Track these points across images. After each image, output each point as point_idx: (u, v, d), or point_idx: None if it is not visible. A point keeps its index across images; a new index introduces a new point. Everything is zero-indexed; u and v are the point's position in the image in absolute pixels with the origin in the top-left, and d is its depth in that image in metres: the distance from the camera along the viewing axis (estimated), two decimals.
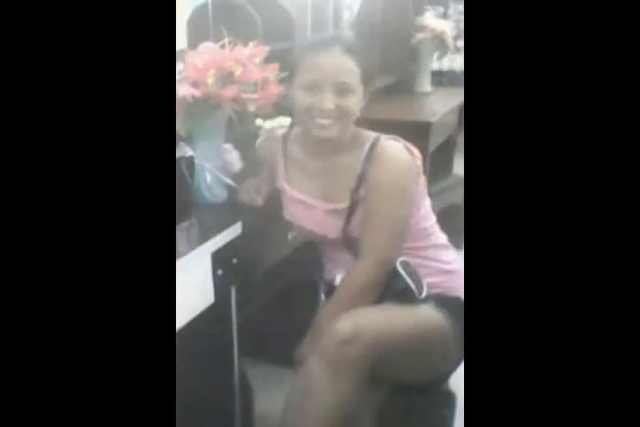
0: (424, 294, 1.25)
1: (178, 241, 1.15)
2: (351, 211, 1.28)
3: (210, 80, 1.20)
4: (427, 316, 1.25)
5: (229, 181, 1.36)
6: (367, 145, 1.27)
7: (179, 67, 1.21)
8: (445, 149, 2.75)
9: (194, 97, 1.19)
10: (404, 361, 1.23)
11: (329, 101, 1.20)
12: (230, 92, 1.21)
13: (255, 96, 1.24)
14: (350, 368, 1.13)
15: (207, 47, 1.25)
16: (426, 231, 1.35)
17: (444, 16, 2.90)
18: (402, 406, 1.31)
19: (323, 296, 1.43)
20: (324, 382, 1.13)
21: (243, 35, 1.27)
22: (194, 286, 1.17)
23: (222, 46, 1.24)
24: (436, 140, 2.42)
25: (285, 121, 1.59)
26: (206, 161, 1.32)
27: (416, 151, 1.29)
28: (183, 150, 1.32)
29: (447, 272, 1.34)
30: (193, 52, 1.25)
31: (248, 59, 1.23)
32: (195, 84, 1.20)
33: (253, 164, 1.48)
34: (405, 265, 1.26)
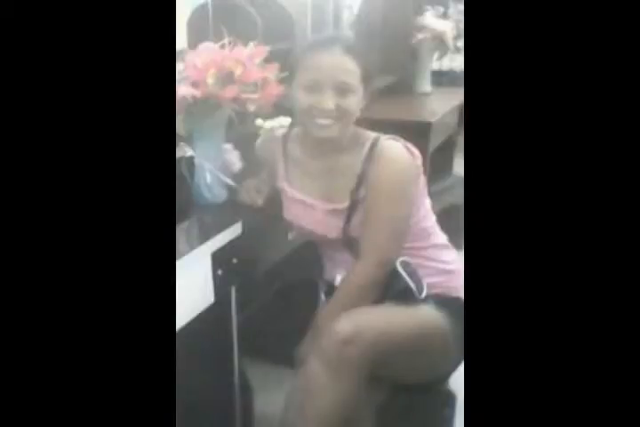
0: (424, 294, 1.25)
1: (178, 241, 1.15)
2: (351, 211, 1.28)
3: (210, 80, 1.20)
4: (427, 316, 1.25)
5: (229, 181, 1.36)
6: (367, 145, 1.27)
7: (179, 67, 1.20)
8: (445, 149, 2.75)
9: (194, 97, 1.19)
10: (404, 361, 1.23)
11: (329, 101, 1.20)
12: (230, 92, 1.21)
13: (255, 96, 1.24)
14: (350, 368, 1.13)
15: (207, 47, 1.25)
16: (426, 231, 1.35)
17: (444, 16, 2.90)
18: (402, 406, 1.31)
19: (323, 296, 1.43)
20: (324, 381, 1.13)
21: (243, 35, 1.27)
22: (194, 286, 1.17)
23: (222, 46, 1.24)
24: (436, 140, 2.41)
25: (285, 121, 1.59)
26: (206, 161, 1.32)
27: (416, 151, 1.29)
28: (183, 150, 1.32)
29: (447, 272, 1.34)
30: (193, 52, 1.25)
31: (248, 59, 1.23)
32: (195, 84, 1.20)
33: (253, 164, 1.48)
34: (405, 265, 1.27)
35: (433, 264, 1.34)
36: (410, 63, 2.86)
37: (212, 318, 1.23)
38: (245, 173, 1.47)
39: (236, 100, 1.23)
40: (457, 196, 2.39)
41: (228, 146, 1.47)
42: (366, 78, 1.23)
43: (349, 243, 1.31)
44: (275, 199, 1.39)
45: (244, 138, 1.51)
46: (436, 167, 2.36)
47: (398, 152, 1.26)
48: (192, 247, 1.14)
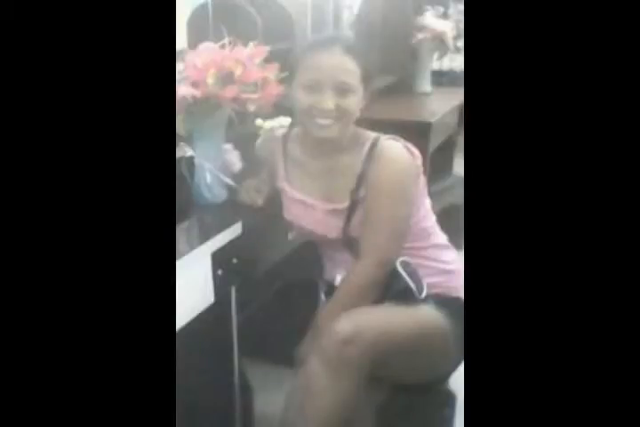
0: (424, 294, 1.25)
1: (178, 241, 1.15)
2: (351, 211, 1.28)
3: (210, 80, 1.20)
4: (427, 316, 1.25)
5: (229, 181, 1.36)
6: (367, 145, 1.27)
7: (179, 67, 1.20)
8: (445, 149, 2.75)
9: (194, 97, 1.19)
10: (404, 361, 1.23)
11: (329, 101, 1.20)
12: (230, 92, 1.21)
13: (255, 96, 1.24)
14: (350, 368, 1.13)
15: (207, 47, 1.25)
16: (426, 231, 1.35)
17: (444, 16, 2.90)
18: (402, 406, 1.31)
19: (323, 296, 1.43)
20: (324, 381, 1.13)
21: (243, 35, 1.28)
22: (194, 286, 1.17)
23: (222, 46, 1.24)
24: (436, 140, 2.42)
25: (285, 121, 1.59)
26: (206, 161, 1.32)
27: (416, 151, 1.29)
28: (183, 150, 1.32)
29: (447, 272, 1.34)
30: (193, 52, 1.25)
31: (248, 59, 1.23)
32: (195, 84, 1.20)
33: (253, 164, 1.48)
34: (405, 265, 1.26)
35: (433, 264, 1.34)
36: (410, 63, 2.86)
37: (211, 318, 1.23)
38: (245, 173, 1.47)
39: (236, 100, 1.23)
40: (457, 196, 2.39)
41: (228, 146, 1.47)
42: (366, 78, 1.23)
43: (349, 243, 1.31)
44: (275, 199, 1.39)
45: (243, 138, 1.51)
46: (436, 167, 2.36)
47: (398, 152, 1.26)
48: (192, 247, 1.14)
